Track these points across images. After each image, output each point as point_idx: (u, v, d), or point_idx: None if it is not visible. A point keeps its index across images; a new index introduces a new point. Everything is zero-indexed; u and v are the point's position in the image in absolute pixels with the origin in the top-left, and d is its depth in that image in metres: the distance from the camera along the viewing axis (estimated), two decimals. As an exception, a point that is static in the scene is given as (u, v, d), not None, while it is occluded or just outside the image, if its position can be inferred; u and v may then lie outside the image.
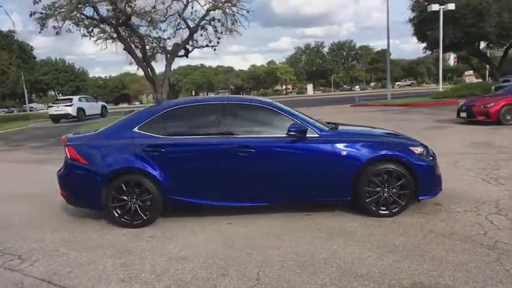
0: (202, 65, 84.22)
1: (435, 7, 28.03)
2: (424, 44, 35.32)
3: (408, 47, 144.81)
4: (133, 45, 19.25)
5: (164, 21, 17.71)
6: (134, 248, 4.06)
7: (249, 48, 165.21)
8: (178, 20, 18.30)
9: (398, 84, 78.79)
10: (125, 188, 4.58)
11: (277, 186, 4.62)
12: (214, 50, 19.81)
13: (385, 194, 4.55)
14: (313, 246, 3.87)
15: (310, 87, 68.69)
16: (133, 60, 19.50)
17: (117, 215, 4.63)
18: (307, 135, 4.55)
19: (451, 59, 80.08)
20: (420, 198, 4.63)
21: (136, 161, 4.58)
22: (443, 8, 27.85)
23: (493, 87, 19.78)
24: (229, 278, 3.31)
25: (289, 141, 4.56)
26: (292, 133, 4.49)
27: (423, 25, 31.34)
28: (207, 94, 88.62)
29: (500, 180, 5.97)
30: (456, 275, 3.16)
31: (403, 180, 4.51)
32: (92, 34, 18.93)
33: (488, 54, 40.03)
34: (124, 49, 19.02)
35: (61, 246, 4.19)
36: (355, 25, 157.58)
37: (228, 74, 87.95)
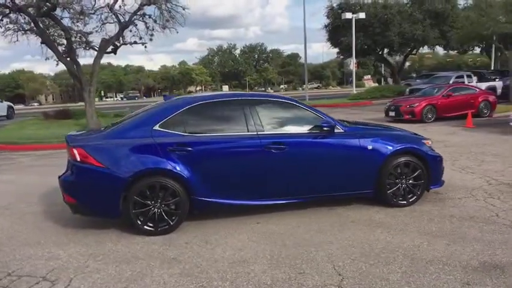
0: (110, 63, 79.13)
1: (348, 15, 30.26)
2: (337, 49, 38.30)
3: (311, 52, 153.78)
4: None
5: (93, 13, 16.28)
6: (178, 255, 3.71)
7: (155, 48, 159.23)
8: (106, 14, 16.99)
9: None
10: (148, 192, 4.16)
11: (308, 182, 4.62)
12: (145, 47, 18.82)
13: (403, 185, 4.83)
14: (364, 238, 3.96)
15: (226, 88, 69.08)
16: (52, 55, 17.58)
17: (139, 223, 4.18)
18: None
19: (352, 64, 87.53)
20: (431, 187, 5.02)
21: (161, 162, 4.18)
22: (355, 17, 30.21)
23: (407, 90, 21.97)
24: (309, 276, 3.23)
25: (319, 136, 4.60)
26: (326, 128, 4.54)
27: (337, 32, 33.74)
28: (116, 95, 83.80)
29: (467, 170, 6.75)
30: (509, 252, 3.52)
31: (418, 171, 4.85)
32: (0, 24, 16.60)
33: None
34: (42, 43, 17.00)
35: (88, 261, 3.64)
36: (261, 29, 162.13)
37: (139, 74, 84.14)
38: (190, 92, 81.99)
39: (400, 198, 4.85)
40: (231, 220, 4.61)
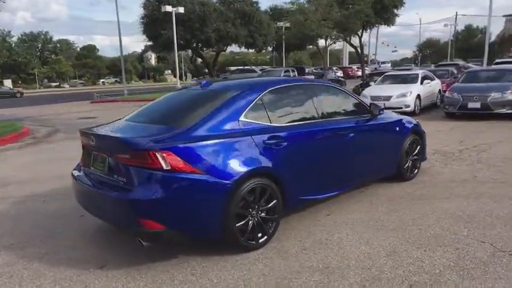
0: None
1: (169, 8, 29.79)
2: (150, 43, 37.24)
3: (94, 44, 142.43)
4: None
5: None
6: (325, 264, 3.19)
7: None
8: None
9: (103, 82, 77.05)
10: (248, 199, 3.35)
11: (363, 167, 4.64)
12: None
13: (410, 161, 5.42)
14: (439, 209, 4.29)
15: (8, 82, 56.50)
16: None
17: (242, 238, 3.33)
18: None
19: (153, 58, 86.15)
20: (423, 161, 5.79)
21: (261, 159, 3.44)
22: (175, 11, 29.98)
23: None
24: (470, 249, 3.35)
25: (367, 119, 4.67)
26: (382, 113, 4.63)
27: (155, 24, 32.77)
28: None
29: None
30: (534, 199, 4.52)
31: (419, 147, 5.52)
32: None
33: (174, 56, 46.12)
34: None
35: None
36: (33, 15, 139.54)
37: None
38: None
39: (409, 173, 5.42)
40: (298, 217, 4.19)
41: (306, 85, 4.33)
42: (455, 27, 60.22)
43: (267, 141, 3.53)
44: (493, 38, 66.15)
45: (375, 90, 13.92)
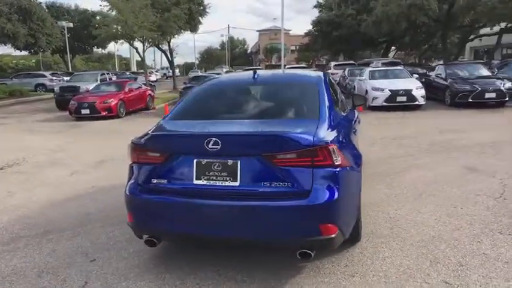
0: None
1: None
2: None
3: None
4: None
5: None
6: (430, 235, 3.44)
7: None
8: None
9: None
10: (357, 188, 3.27)
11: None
12: None
13: (357, 145, 6.17)
14: (425, 177, 5.13)
15: None
16: None
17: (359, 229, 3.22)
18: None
19: None
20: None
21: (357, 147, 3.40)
22: None
23: (57, 88, 19.53)
24: (492, 192, 4.22)
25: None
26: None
27: None
28: None
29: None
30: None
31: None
32: None
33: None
34: None
35: None
36: None
37: None
38: None
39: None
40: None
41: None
42: (228, 38, 67.89)
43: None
44: (249, 50, 78.61)
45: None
